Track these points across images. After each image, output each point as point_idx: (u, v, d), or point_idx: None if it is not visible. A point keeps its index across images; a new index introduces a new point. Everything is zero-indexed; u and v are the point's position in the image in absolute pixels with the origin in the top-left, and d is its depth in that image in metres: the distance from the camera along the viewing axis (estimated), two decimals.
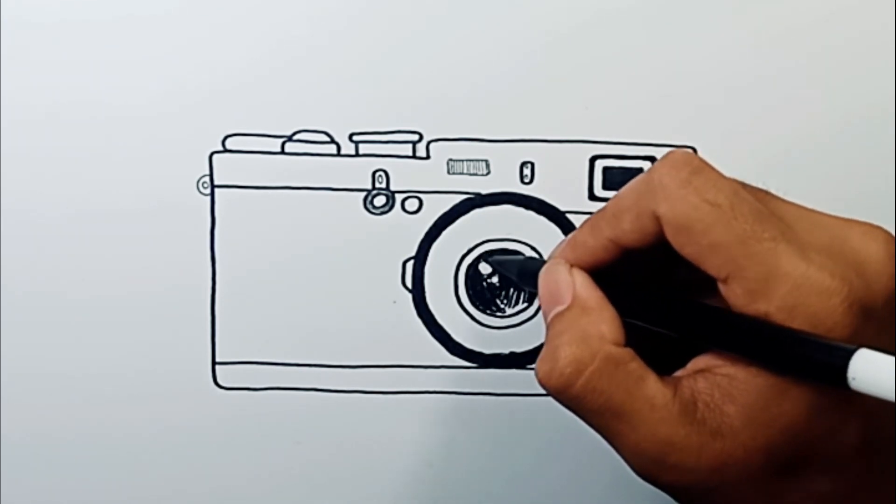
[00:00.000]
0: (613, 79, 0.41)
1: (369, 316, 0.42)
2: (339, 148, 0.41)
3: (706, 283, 0.33)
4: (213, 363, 0.42)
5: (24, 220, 0.41)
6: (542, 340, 0.42)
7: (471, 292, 0.42)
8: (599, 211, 0.35)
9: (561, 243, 0.36)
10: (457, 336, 0.42)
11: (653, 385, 0.32)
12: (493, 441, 0.43)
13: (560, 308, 0.34)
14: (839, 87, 0.41)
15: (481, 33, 0.41)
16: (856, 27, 0.41)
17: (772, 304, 0.31)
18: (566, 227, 0.42)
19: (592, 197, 0.42)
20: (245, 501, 0.43)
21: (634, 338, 0.33)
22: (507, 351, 0.43)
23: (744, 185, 0.33)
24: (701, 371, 0.32)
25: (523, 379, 0.43)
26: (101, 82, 0.40)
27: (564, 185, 0.42)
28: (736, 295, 0.31)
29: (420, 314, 0.42)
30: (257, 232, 0.42)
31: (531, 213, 0.42)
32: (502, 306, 0.42)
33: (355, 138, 0.41)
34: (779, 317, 0.31)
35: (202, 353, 0.42)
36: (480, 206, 0.42)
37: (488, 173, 0.42)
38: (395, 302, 0.42)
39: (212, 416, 0.42)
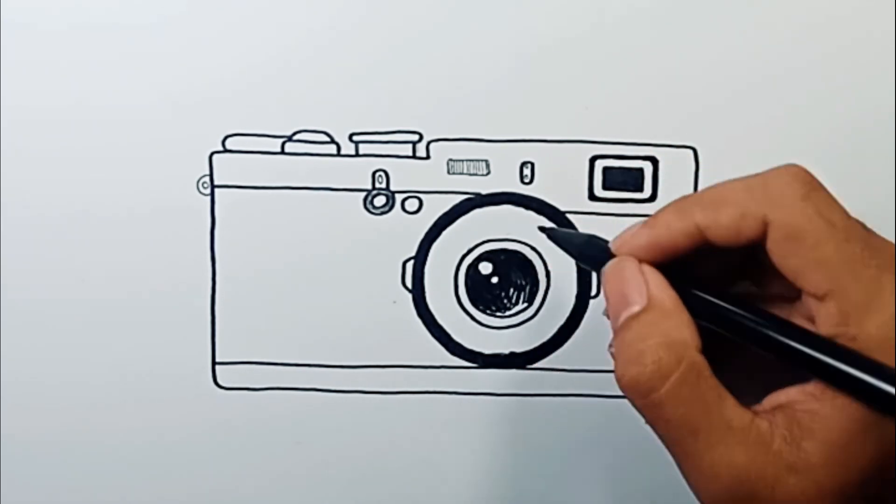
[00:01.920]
0: (613, 79, 0.41)
1: (369, 316, 0.42)
2: (339, 148, 0.41)
3: (768, 301, 0.33)
4: (213, 363, 0.42)
5: (24, 220, 0.41)
6: (541, 340, 0.42)
7: (471, 292, 0.42)
8: (690, 196, 0.34)
9: (632, 226, 0.35)
10: (457, 336, 0.42)
11: (732, 405, 0.31)
12: (493, 441, 0.43)
13: (635, 309, 0.33)
14: (839, 87, 0.41)
15: (481, 34, 0.41)
16: (856, 28, 0.41)
17: (864, 330, 0.31)
18: (566, 226, 0.42)
19: (592, 197, 0.42)
20: (245, 501, 0.43)
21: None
22: (507, 351, 0.43)
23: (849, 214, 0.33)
24: (780, 407, 0.32)
25: (523, 379, 0.43)
26: (101, 84, 0.40)
27: (564, 185, 0.42)
28: (829, 314, 0.31)
29: (420, 314, 0.42)
30: (257, 232, 0.42)
31: (531, 213, 0.42)
32: (502, 306, 0.42)
33: (355, 138, 0.41)
34: (866, 343, 0.30)
35: (202, 353, 0.42)
36: (480, 206, 0.42)
37: (488, 173, 0.42)
38: (395, 302, 0.42)
39: (212, 416, 0.42)
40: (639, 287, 0.33)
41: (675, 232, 0.33)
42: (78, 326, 0.42)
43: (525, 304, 0.42)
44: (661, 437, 0.32)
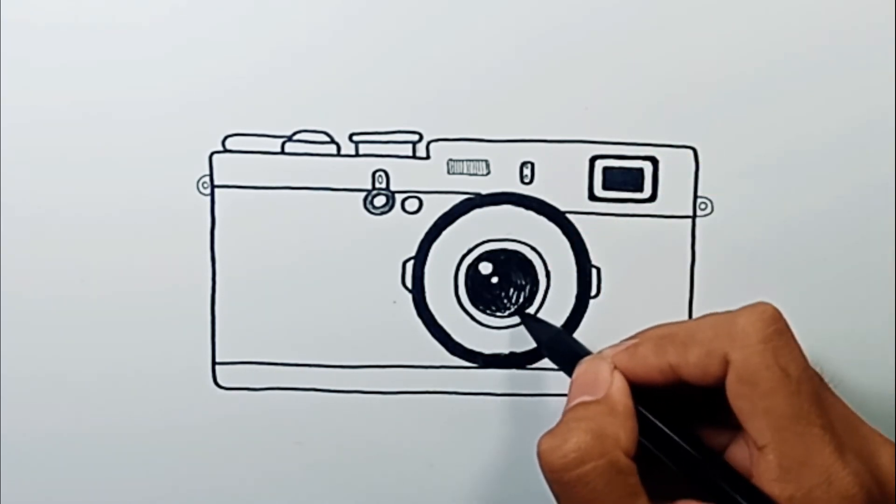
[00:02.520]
0: (613, 79, 0.41)
1: (369, 316, 0.42)
2: (339, 148, 0.41)
3: (722, 437, 0.34)
4: (213, 363, 0.42)
5: (24, 220, 0.41)
6: None
7: (471, 292, 0.42)
8: (670, 330, 0.35)
9: (616, 345, 0.37)
10: (457, 336, 0.42)
11: None
12: (493, 441, 0.43)
13: (588, 398, 0.35)
14: (839, 87, 0.41)
15: (481, 33, 0.41)
16: (856, 27, 0.41)
17: (800, 489, 0.31)
18: (566, 227, 0.42)
19: (592, 197, 0.42)
20: (245, 501, 0.43)
21: (642, 451, 0.34)
22: (507, 351, 0.43)
23: (808, 364, 0.34)
24: None
25: (523, 379, 0.43)
26: (101, 83, 0.40)
27: (564, 185, 0.42)
28: (767, 466, 0.32)
29: (420, 314, 0.42)
30: (257, 232, 0.42)
31: (531, 213, 0.42)
32: (502, 306, 0.42)
33: (355, 138, 0.41)
34: (800, 502, 0.31)
35: (202, 353, 0.42)
36: (480, 206, 0.42)
37: (488, 173, 0.42)
38: (395, 302, 0.42)
39: (212, 416, 0.42)
40: (602, 382, 0.35)
41: (650, 367, 0.35)
42: (78, 326, 0.42)
43: (525, 304, 0.42)
44: None
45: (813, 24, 0.41)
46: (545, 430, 0.43)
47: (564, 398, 0.42)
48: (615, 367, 0.35)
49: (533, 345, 0.42)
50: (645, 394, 0.35)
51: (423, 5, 0.40)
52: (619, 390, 0.35)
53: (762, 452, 0.32)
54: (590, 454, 0.32)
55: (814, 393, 0.33)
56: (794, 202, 0.42)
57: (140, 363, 0.42)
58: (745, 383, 0.32)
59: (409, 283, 0.42)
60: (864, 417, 0.37)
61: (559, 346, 0.40)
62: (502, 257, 0.42)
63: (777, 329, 0.33)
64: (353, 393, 0.43)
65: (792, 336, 0.33)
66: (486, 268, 0.42)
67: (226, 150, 0.41)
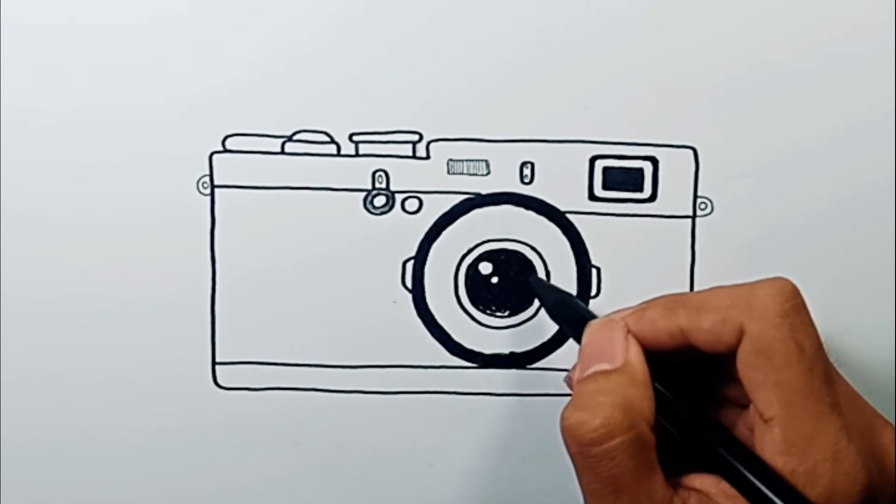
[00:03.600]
0: (613, 79, 0.41)
1: (369, 316, 0.42)
2: (339, 148, 0.41)
3: (722, 407, 0.34)
4: (213, 363, 0.42)
5: (24, 220, 0.41)
6: (541, 340, 0.42)
7: (471, 292, 0.42)
8: (680, 296, 0.35)
9: (622, 310, 0.36)
10: (457, 336, 0.42)
11: (660, 481, 0.32)
12: (493, 441, 0.43)
13: (605, 366, 0.34)
14: (839, 86, 0.41)
15: (481, 33, 0.41)
16: (856, 27, 0.41)
17: (803, 464, 0.31)
18: (566, 227, 0.42)
19: (592, 197, 0.42)
20: (245, 501, 0.43)
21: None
22: (507, 351, 0.43)
23: (821, 342, 0.33)
24: (696, 490, 0.33)
25: (523, 379, 0.43)
26: (101, 84, 0.40)
27: (564, 185, 0.42)
28: (773, 440, 0.32)
29: (420, 314, 0.42)
30: (257, 232, 0.42)
31: (531, 213, 0.42)
32: (502, 306, 0.42)
33: (355, 138, 0.41)
34: (802, 478, 0.31)
35: (202, 353, 0.42)
36: (480, 206, 0.42)
37: (488, 173, 0.42)
38: (395, 302, 0.42)
39: (212, 416, 0.42)
40: (619, 348, 0.34)
41: (659, 330, 0.35)
42: (78, 326, 0.42)
43: (525, 304, 0.42)
44: (582, 482, 0.33)
45: (813, 24, 0.41)
46: (545, 430, 0.43)
47: (565, 398, 0.42)
48: (628, 332, 0.35)
49: (533, 345, 0.42)
50: (650, 359, 0.35)
51: (423, 6, 0.40)
52: (636, 357, 0.34)
53: (768, 425, 0.32)
54: (619, 428, 0.32)
55: (825, 371, 0.33)
56: (794, 202, 0.42)
57: (140, 363, 0.42)
58: (759, 354, 0.32)
59: (409, 283, 0.42)
60: None
61: (565, 310, 0.39)
62: (502, 257, 0.42)
63: (795, 304, 0.33)
64: (353, 393, 0.43)
65: (808, 313, 0.33)
66: (486, 268, 0.42)
67: (226, 150, 0.41)
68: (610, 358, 0.34)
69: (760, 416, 0.32)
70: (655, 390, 0.34)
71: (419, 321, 0.42)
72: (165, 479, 0.43)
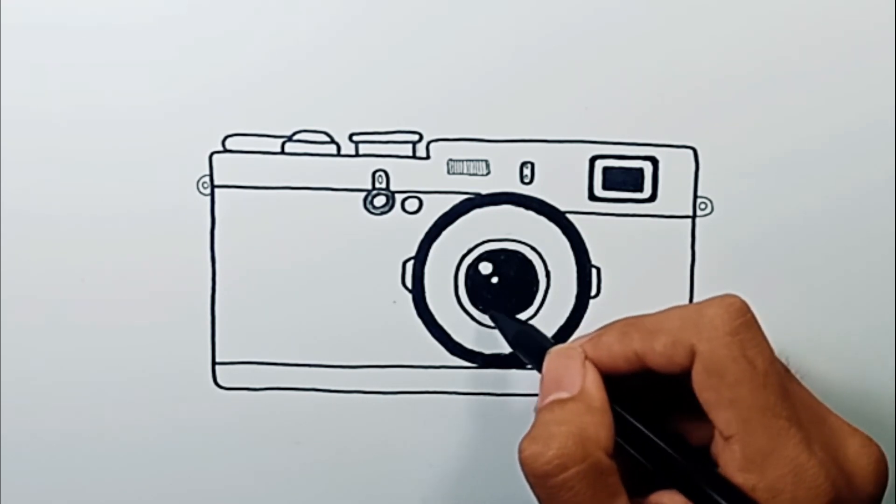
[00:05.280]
0: (613, 79, 0.41)
1: (369, 316, 0.42)
2: (339, 148, 0.41)
3: (688, 425, 0.34)
4: (213, 363, 0.42)
5: (24, 220, 0.41)
6: None
7: (471, 292, 0.42)
8: (635, 319, 0.35)
9: (581, 337, 0.36)
10: (457, 336, 0.42)
11: (622, 503, 0.32)
12: (493, 441, 0.43)
13: (563, 395, 0.34)
14: (839, 86, 0.41)
15: (481, 33, 0.41)
16: (856, 27, 0.41)
17: (763, 480, 0.31)
18: (566, 227, 0.42)
19: (592, 197, 0.42)
20: (245, 501, 0.43)
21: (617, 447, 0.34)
22: (507, 351, 0.43)
23: (775, 356, 0.33)
24: None
25: (523, 379, 0.43)
26: (101, 84, 0.40)
27: (564, 185, 0.42)
28: (733, 457, 0.32)
29: (420, 314, 0.42)
30: (257, 232, 0.42)
31: (531, 213, 0.42)
32: (502, 306, 0.42)
33: (355, 138, 0.41)
34: (763, 494, 0.31)
35: (202, 353, 0.42)
36: (480, 206, 0.42)
37: (488, 173, 0.42)
38: (395, 302, 0.42)
39: (212, 416, 0.42)
40: (575, 376, 0.35)
41: (615, 355, 0.35)
42: (78, 326, 0.42)
43: (525, 304, 0.42)
44: None
45: (813, 24, 0.41)
46: None
47: None
48: (586, 358, 0.35)
49: None
50: (612, 383, 0.35)
51: (424, 6, 0.40)
52: (593, 384, 0.34)
53: (727, 443, 0.32)
54: (573, 459, 0.32)
55: (780, 385, 0.33)
56: (794, 202, 0.42)
57: (140, 363, 0.42)
58: (711, 374, 0.32)
59: (409, 283, 0.42)
60: (863, 418, 0.37)
61: (527, 341, 0.39)
62: (502, 257, 0.42)
63: (744, 321, 0.33)
64: (353, 393, 0.43)
65: (759, 328, 0.33)
66: (486, 268, 0.42)
67: (226, 150, 0.41)
68: (568, 385, 0.34)
69: (721, 434, 0.33)
70: (615, 413, 0.34)
71: (419, 321, 0.42)
72: (165, 479, 0.43)
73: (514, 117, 0.41)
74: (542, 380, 0.36)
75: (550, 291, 0.42)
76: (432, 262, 0.42)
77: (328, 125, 0.41)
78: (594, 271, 0.42)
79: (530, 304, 0.42)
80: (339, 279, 0.42)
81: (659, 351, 0.34)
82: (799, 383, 0.35)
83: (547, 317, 0.42)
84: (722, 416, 0.32)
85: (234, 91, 0.41)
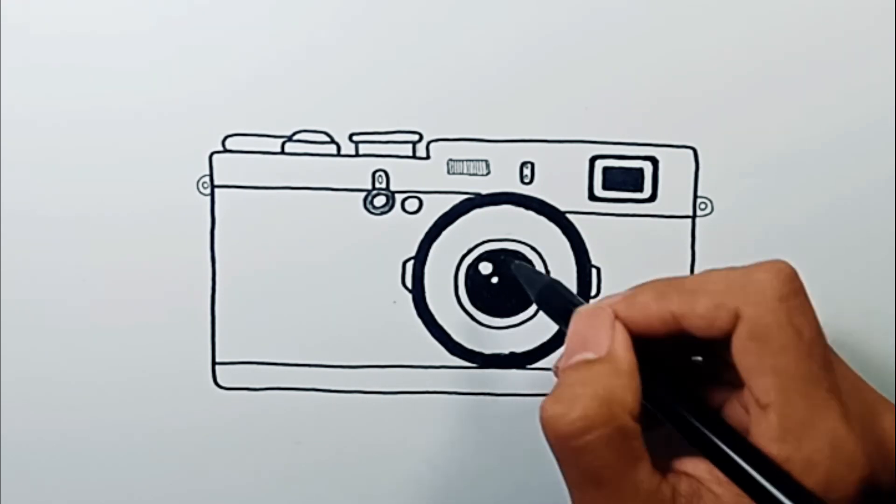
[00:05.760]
0: (613, 79, 0.41)
1: (369, 316, 0.42)
2: (339, 148, 0.41)
3: (717, 393, 0.33)
4: (213, 363, 0.42)
5: (24, 220, 0.41)
6: (541, 340, 0.42)
7: (471, 292, 0.42)
8: (673, 280, 0.34)
9: (612, 296, 0.35)
10: (457, 336, 0.42)
11: (646, 470, 0.31)
12: (493, 441, 0.43)
13: (590, 356, 0.33)
14: (839, 87, 0.41)
15: (481, 34, 0.41)
16: (856, 26, 0.41)
17: (799, 452, 0.31)
18: (566, 227, 0.42)
19: (592, 197, 0.42)
20: (245, 501, 0.43)
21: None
22: (507, 351, 0.43)
23: (820, 327, 0.33)
24: (687, 474, 0.32)
25: (523, 379, 0.43)
26: (101, 84, 0.40)
27: (564, 185, 0.42)
28: (769, 426, 0.31)
29: (420, 314, 0.42)
30: (257, 232, 0.42)
31: (531, 213, 0.42)
32: (502, 306, 0.42)
33: (355, 138, 0.41)
34: (798, 466, 0.30)
35: (202, 353, 0.42)
36: (480, 206, 0.42)
37: (488, 173, 0.42)
38: (395, 302, 0.42)
39: (212, 416, 0.42)
40: (603, 337, 0.33)
41: (650, 316, 0.33)
42: (78, 326, 0.42)
43: (525, 304, 0.42)
44: (564, 475, 0.32)
45: (813, 24, 0.41)
46: None
47: None
48: (616, 318, 0.33)
49: (533, 345, 0.42)
50: (639, 344, 0.33)
51: (424, 6, 0.40)
52: (621, 346, 0.33)
53: (764, 411, 0.31)
54: (597, 421, 0.31)
55: (824, 356, 0.32)
56: (794, 202, 0.42)
57: (140, 363, 0.42)
58: (755, 340, 0.31)
59: (409, 283, 0.42)
60: None
61: (552, 297, 0.38)
62: (502, 257, 0.42)
63: (794, 288, 0.32)
64: (353, 393, 0.43)
65: (807, 297, 0.32)
66: (486, 268, 0.42)
67: (226, 150, 0.41)
68: (595, 347, 0.33)
69: (756, 401, 0.32)
70: (643, 376, 0.33)
71: (419, 321, 0.42)
72: (165, 479, 0.43)
73: (514, 117, 0.41)
74: (567, 339, 0.34)
75: None
76: (432, 262, 0.42)
77: (328, 125, 0.41)
78: (594, 271, 0.42)
79: (530, 304, 0.42)
80: (339, 279, 0.42)
81: (700, 313, 0.32)
82: (837, 356, 0.34)
83: (547, 317, 0.42)
84: (761, 384, 0.31)
85: (234, 91, 0.41)
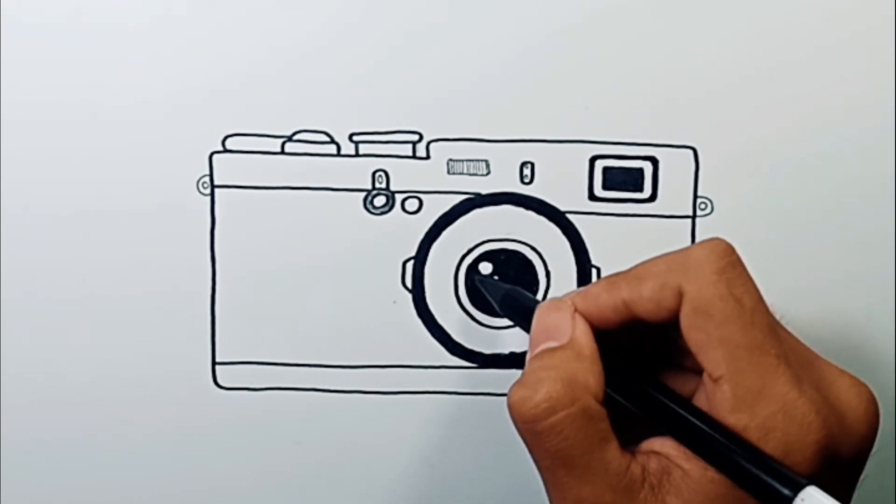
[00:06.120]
0: (613, 79, 0.41)
1: (369, 316, 0.42)
2: (339, 148, 0.41)
3: (678, 384, 0.34)
4: (213, 363, 0.42)
5: (24, 220, 0.41)
6: None
7: (471, 292, 0.42)
8: (621, 272, 0.35)
9: (570, 292, 0.36)
10: (457, 336, 0.42)
11: (614, 450, 0.32)
12: (493, 441, 0.43)
13: (552, 344, 0.34)
14: (839, 87, 0.41)
15: (481, 33, 0.41)
16: (856, 26, 0.41)
17: (754, 419, 0.31)
18: (566, 227, 0.42)
19: (592, 197, 0.42)
20: (245, 501, 0.43)
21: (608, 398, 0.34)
22: (507, 351, 0.43)
23: (761, 296, 0.33)
24: (656, 453, 0.33)
25: None
26: (101, 83, 0.40)
27: (564, 185, 0.42)
28: (723, 398, 0.32)
29: (420, 314, 0.42)
30: (257, 232, 0.42)
31: (531, 213, 0.42)
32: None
33: (355, 138, 0.41)
34: (755, 433, 0.31)
35: (202, 353, 0.42)
36: (480, 206, 0.42)
37: (488, 173, 0.42)
38: (395, 302, 0.42)
39: (212, 416, 0.42)
40: (565, 327, 0.34)
41: (603, 305, 0.34)
42: (78, 326, 0.42)
43: None
44: (535, 460, 0.33)
45: (813, 24, 0.41)
46: None
47: None
48: (575, 311, 0.35)
49: None
50: (600, 339, 0.35)
51: (423, 6, 0.40)
52: (582, 333, 0.34)
53: (717, 384, 0.32)
54: (561, 402, 0.32)
55: (768, 324, 0.32)
56: (794, 202, 0.42)
57: (140, 363, 0.42)
58: (699, 314, 0.32)
59: (409, 283, 0.42)
60: None
61: (514, 303, 0.39)
62: (502, 257, 0.42)
63: (730, 261, 0.33)
64: (353, 393, 0.43)
65: (745, 269, 0.33)
66: (486, 268, 0.42)
67: (226, 150, 0.41)
68: (557, 336, 0.34)
69: (709, 376, 0.32)
70: (604, 365, 0.34)
71: (419, 321, 0.42)
72: (165, 479, 0.43)
73: (514, 117, 0.41)
74: (531, 333, 0.35)
75: (550, 291, 0.42)
76: (432, 262, 0.42)
77: (328, 125, 0.41)
78: (594, 271, 0.42)
79: None
80: (339, 279, 0.42)
81: (647, 296, 0.33)
82: (785, 328, 0.35)
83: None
84: (711, 357, 0.32)
85: (234, 91, 0.41)
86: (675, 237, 0.42)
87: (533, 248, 0.42)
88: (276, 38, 0.40)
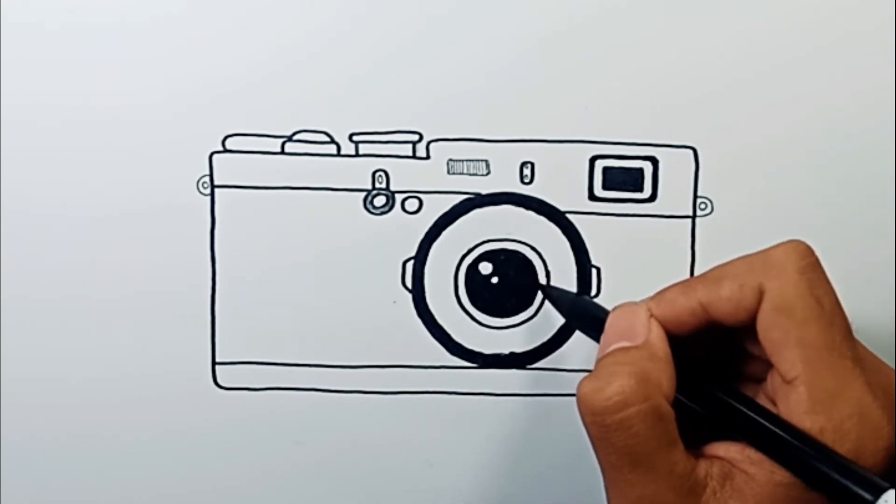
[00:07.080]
0: (613, 79, 0.41)
1: (369, 316, 0.42)
2: (339, 148, 0.41)
3: (747, 385, 0.34)
4: (213, 363, 0.42)
5: (24, 220, 0.41)
6: (542, 340, 0.42)
7: (471, 292, 0.42)
8: (697, 276, 0.35)
9: (642, 300, 0.36)
10: (457, 336, 0.42)
11: (680, 452, 0.32)
12: (493, 441, 0.43)
13: (626, 344, 0.34)
14: (839, 87, 0.41)
15: (481, 34, 0.41)
16: (856, 25, 0.41)
17: (831, 421, 0.31)
18: (566, 227, 0.42)
19: (592, 197, 0.42)
20: (245, 501, 0.43)
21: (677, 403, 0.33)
22: (507, 351, 0.43)
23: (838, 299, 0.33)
24: (719, 458, 0.33)
25: (523, 379, 0.43)
26: (101, 83, 0.40)
27: (564, 185, 0.42)
28: (798, 398, 0.31)
29: (420, 314, 0.42)
30: (257, 232, 0.42)
31: (531, 213, 0.42)
32: (502, 306, 0.42)
33: (355, 138, 0.41)
34: (831, 435, 0.31)
35: (202, 353, 0.42)
36: (480, 206, 0.42)
37: (488, 173, 0.42)
38: (395, 302, 0.42)
39: (212, 416, 0.42)
40: (640, 328, 0.34)
41: (680, 308, 0.34)
42: (78, 326, 0.42)
43: (525, 304, 0.42)
44: (598, 455, 0.33)
45: (813, 24, 0.41)
46: (545, 429, 0.43)
47: (565, 398, 0.43)
48: (651, 315, 0.35)
49: (533, 345, 0.42)
50: (672, 343, 0.34)
51: (424, 6, 0.40)
52: (657, 337, 0.34)
53: (792, 385, 0.32)
54: (633, 398, 0.31)
55: (846, 327, 0.32)
56: (794, 202, 0.42)
57: (140, 363, 0.42)
58: (779, 312, 0.32)
59: (409, 283, 0.42)
60: None
61: (580, 311, 0.39)
62: (502, 257, 0.42)
63: (811, 262, 0.33)
64: (353, 393, 0.43)
65: (824, 270, 0.33)
66: (486, 268, 0.42)
67: (226, 150, 0.41)
68: (631, 337, 0.34)
69: (783, 377, 0.32)
70: (676, 368, 0.34)
71: (419, 321, 0.42)
72: (165, 479, 0.43)
73: (514, 117, 0.41)
74: (604, 334, 0.35)
75: None
76: (432, 262, 0.42)
77: (328, 125, 0.41)
78: (594, 271, 0.42)
79: (530, 304, 0.42)
80: (339, 279, 0.42)
81: (725, 296, 0.33)
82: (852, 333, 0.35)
83: (547, 317, 0.42)
84: (787, 357, 0.32)
85: (234, 91, 0.41)
86: (675, 237, 0.42)
87: (533, 248, 0.42)
88: (276, 38, 0.40)
